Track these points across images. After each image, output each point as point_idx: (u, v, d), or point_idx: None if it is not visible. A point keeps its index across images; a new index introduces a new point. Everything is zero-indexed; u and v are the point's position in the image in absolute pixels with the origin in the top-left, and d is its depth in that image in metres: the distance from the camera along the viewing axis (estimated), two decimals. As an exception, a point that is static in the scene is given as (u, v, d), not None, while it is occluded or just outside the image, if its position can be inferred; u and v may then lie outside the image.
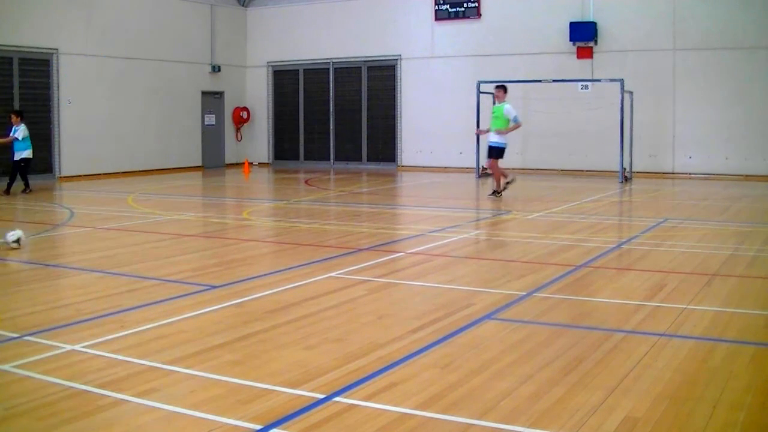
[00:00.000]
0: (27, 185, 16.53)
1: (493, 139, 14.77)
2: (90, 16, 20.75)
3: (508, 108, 14.66)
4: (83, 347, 5.30)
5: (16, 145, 16.35)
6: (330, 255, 8.92)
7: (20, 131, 16.33)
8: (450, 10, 22.79)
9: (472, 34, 22.57)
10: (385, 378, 4.68)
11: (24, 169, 16.50)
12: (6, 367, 4.88)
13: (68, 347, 5.30)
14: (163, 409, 4.20)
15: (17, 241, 9.49)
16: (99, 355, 5.12)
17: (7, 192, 16.15)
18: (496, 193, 14.86)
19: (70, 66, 20.27)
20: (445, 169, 22.81)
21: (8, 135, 16.48)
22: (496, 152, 14.71)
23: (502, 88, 15.33)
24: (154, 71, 22.63)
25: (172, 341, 5.47)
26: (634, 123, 19.46)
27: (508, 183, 14.90)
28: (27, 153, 16.44)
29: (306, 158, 25.61)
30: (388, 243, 9.92)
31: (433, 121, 23.04)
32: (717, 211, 13.08)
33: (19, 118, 16.51)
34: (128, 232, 10.99)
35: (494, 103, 15.90)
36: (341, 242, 9.91)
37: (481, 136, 18.21)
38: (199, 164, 24.31)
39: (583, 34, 20.82)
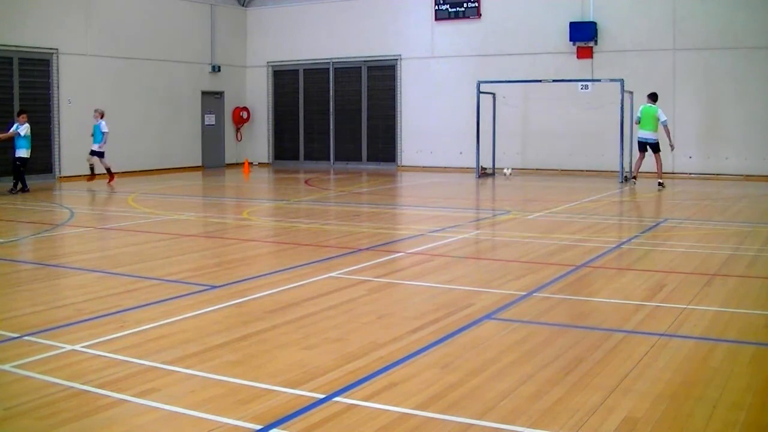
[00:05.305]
0: (24, 185, 16.64)
1: None
2: (90, 16, 20.74)
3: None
4: (83, 347, 5.30)
5: (18, 143, 16.53)
6: (330, 255, 8.92)
7: (23, 128, 16.53)
8: (450, 10, 22.78)
9: (472, 34, 22.56)
10: (385, 378, 4.68)
11: (19, 168, 16.61)
12: (6, 367, 4.88)
13: (68, 347, 5.30)
14: (163, 409, 4.20)
15: None
16: (99, 355, 5.12)
17: (14, 190, 16.41)
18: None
19: (70, 66, 20.27)
20: (445, 169, 22.80)
21: (8, 130, 16.72)
22: None
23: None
24: (154, 71, 22.61)
25: (172, 341, 5.46)
26: (634, 123, 19.42)
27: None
28: (25, 152, 16.59)
29: (306, 158, 25.60)
30: (388, 243, 9.92)
31: (433, 121, 23.03)
32: (717, 211, 13.07)
33: (25, 117, 16.72)
34: (128, 232, 10.99)
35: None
36: (341, 242, 9.91)
37: None
38: (199, 164, 24.30)
39: (583, 34, 20.82)
